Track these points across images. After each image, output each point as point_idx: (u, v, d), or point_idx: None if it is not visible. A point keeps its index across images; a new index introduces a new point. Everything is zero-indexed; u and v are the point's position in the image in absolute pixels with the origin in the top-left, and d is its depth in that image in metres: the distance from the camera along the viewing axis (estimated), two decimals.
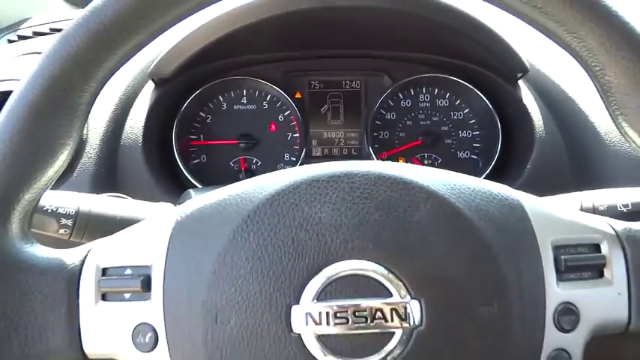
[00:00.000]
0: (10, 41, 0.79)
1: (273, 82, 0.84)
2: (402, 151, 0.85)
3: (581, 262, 0.43)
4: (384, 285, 0.40)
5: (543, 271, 0.42)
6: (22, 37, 0.80)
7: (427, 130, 0.85)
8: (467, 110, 0.85)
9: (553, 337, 0.42)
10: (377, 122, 0.85)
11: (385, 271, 0.40)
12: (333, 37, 0.82)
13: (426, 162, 0.85)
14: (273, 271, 0.40)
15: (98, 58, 0.41)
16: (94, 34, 0.41)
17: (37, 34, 0.81)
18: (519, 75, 0.77)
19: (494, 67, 0.79)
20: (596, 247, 0.44)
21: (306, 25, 0.78)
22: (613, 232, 0.44)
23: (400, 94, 0.85)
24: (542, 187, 0.57)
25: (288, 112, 0.85)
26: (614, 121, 0.44)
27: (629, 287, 0.43)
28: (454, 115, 0.86)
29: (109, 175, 0.72)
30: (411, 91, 0.85)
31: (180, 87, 0.80)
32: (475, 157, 0.85)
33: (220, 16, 0.71)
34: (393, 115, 0.86)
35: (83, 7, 0.96)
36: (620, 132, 0.44)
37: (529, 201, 0.44)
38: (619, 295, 0.43)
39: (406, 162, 0.84)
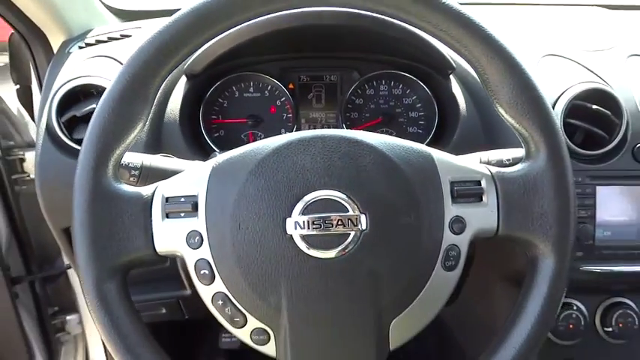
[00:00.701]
0: (80, 47, 0.86)
1: (273, 76, 0.89)
2: (367, 127, 0.91)
3: (468, 191, 0.51)
4: (343, 205, 0.48)
5: (443, 196, 0.50)
6: (88, 44, 0.86)
7: (385, 111, 0.92)
8: (414, 97, 0.92)
9: (449, 237, 0.50)
10: (349, 106, 0.92)
11: (344, 196, 0.48)
12: (317, 43, 0.89)
13: None
14: (275, 196, 0.48)
15: (162, 62, 0.49)
16: (158, 46, 0.48)
17: (98, 41, 0.87)
18: (449, 71, 0.85)
19: (432, 65, 0.86)
20: (478, 183, 0.51)
21: (298, 35, 0.84)
22: (489, 173, 0.52)
23: (366, 85, 0.92)
24: (464, 150, 0.64)
25: (284, 98, 0.91)
26: (492, 103, 0.52)
27: (498, 208, 0.51)
28: (405, 100, 0.92)
29: (156, 143, 0.79)
30: (374, 83, 0.92)
31: (205, 80, 0.86)
32: (420, 131, 0.92)
33: (235, 30, 0.78)
34: (360, 101, 0.92)
35: (129, 20, 1.02)
36: (495, 109, 0.52)
37: (436, 153, 0.52)
38: (491, 212, 0.51)
39: None
